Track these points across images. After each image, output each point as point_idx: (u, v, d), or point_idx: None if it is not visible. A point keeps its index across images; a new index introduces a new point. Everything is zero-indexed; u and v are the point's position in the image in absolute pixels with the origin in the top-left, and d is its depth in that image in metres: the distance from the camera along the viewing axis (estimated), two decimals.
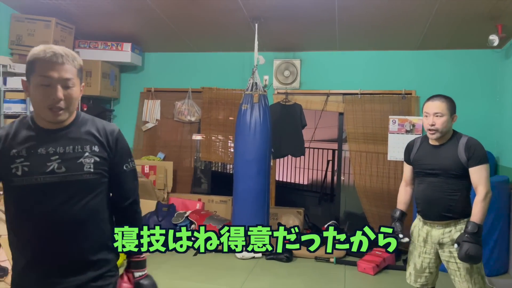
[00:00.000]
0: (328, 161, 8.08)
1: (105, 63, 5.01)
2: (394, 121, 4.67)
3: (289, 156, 5.28)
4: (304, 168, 8.66)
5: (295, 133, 4.88)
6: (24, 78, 1.42)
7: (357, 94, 4.87)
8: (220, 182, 6.03)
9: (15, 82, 4.13)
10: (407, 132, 4.63)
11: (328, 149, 8.16)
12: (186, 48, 5.22)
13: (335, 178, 6.79)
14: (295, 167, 8.67)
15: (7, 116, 4.16)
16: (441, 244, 2.37)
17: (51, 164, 1.38)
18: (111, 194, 1.59)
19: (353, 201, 6.33)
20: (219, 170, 8.17)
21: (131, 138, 5.54)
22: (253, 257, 4.25)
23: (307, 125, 4.96)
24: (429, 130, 2.39)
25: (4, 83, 4.14)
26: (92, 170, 1.44)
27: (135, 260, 1.61)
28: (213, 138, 5.31)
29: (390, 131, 4.70)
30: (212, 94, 5.25)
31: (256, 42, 4.21)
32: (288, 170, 8.64)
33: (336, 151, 5.59)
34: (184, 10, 4.09)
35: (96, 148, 1.47)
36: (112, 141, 1.52)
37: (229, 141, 5.27)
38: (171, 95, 5.42)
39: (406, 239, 2.44)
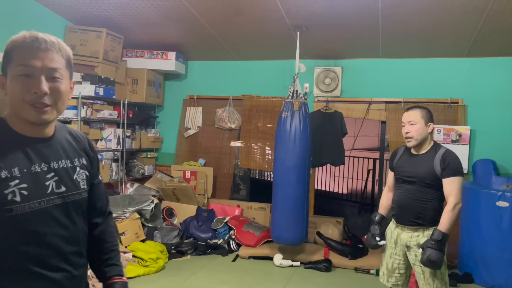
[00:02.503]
0: (368, 170, 7.92)
1: (151, 71, 5.20)
2: (439, 130, 4.52)
3: (329, 165, 5.24)
4: (343, 177, 8.53)
5: (335, 141, 4.84)
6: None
7: (400, 102, 4.76)
8: (258, 189, 6.06)
9: None
10: (453, 142, 4.47)
11: (368, 158, 8.00)
12: (228, 57, 5.32)
13: (376, 187, 6.65)
14: (335, 176, 8.56)
15: (60, 122, 4.39)
16: (408, 247, 2.51)
17: (49, 184, 1.14)
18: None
19: None
20: (258, 177, 8.21)
21: (174, 144, 5.69)
22: (291, 265, 4.23)
23: (347, 134, 4.90)
24: (405, 138, 2.52)
25: None
26: (86, 187, 1.25)
27: (117, 282, 1.36)
28: (252, 145, 5.36)
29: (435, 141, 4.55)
30: (253, 101, 5.31)
31: (298, 50, 4.23)
32: (327, 179, 8.54)
33: (377, 160, 5.48)
34: (228, 20, 4.18)
35: (84, 161, 1.27)
36: (90, 149, 1.32)
37: (267, 148, 5.30)
38: (212, 103, 5.53)
39: (383, 242, 2.63)
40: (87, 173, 1.26)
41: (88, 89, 4.35)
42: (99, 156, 4.61)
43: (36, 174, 1.12)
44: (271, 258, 4.32)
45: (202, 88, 5.60)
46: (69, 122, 4.39)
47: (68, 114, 4.34)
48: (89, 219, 1.32)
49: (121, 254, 3.85)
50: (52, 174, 1.15)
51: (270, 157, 5.28)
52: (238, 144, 5.47)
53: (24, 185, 1.08)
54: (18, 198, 1.06)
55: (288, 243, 4.13)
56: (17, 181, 1.07)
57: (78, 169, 1.23)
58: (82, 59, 4.50)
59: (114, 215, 4.22)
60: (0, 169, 1.06)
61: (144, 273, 3.80)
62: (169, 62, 5.12)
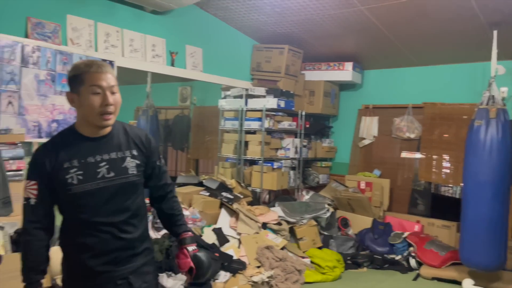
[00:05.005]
0: None
1: (327, 83, 5.32)
2: None
3: None
4: None
5: None
6: (69, 91, 1.53)
7: None
8: (440, 205, 5.52)
9: (253, 103, 4.81)
10: None
11: None
12: (408, 63, 5.07)
13: None
14: None
15: (247, 132, 4.87)
16: None
17: (100, 171, 1.53)
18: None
19: None
20: (439, 192, 7.50)
21: (348, 154, 5.68)
22: None
23: None
24: None
25: (246, 104, 4.88)
26: (135, 172, 1.60)
27: (186, 237, 1.77)
28: (434, 156, 4.95)
29: None
30: (435, 109, 4.92)
31: (494, 51, 3.74)
32: None
33: None
34: (410, 24, 3.99)
35: (135, 152, 1.61)
36: (145, 142, 1.66)
37: (452, 160, 4.80)
38: (389, 112, 5.33)
39: None
40: (138, 162, 1.61)
41: (271, 102, 4.71)
42: (279, 164, 4.92)
43: (90, 163, 1.52)
44: (458, 282, 3.88)
45: (378, 97, 5.45)
46: (254, 132, 4.83)
47: (254, 125, 4.79)
48: (153, 194, 1.78)
49: (299, 258, 4.03)
50: (104, 163, 1.54)
51: (455, 170, 4.78)
52: (417, 155, 5.12)
53: (81, 172, 1.50)
54: (75, 181, 1.49)
55: (481, 268, 3.65)
56: (75, 169, 1.50)
57: (128, 158, 1.59)
58: (266, 74, 4.90)
59: (292, 220, 4.46)
60: (62, 161, 1.49)
61: (321, 280, 3.87)
62: (345, 73, 5.15)
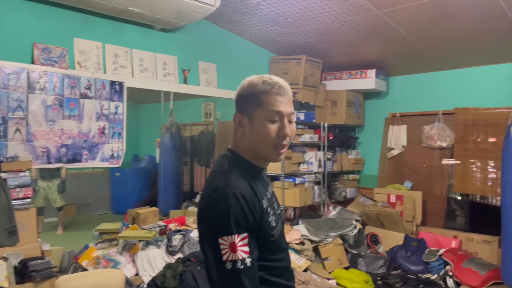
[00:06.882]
0: None
1: (350, 92, 5.09)
2: None
3: None
4: None
5: None
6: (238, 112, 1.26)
7: None
8: (481, 217, 5.11)
9: None
10: None
11: None
12: (435, 67, 4.76)
13: None
14: None
15: None
16: None
17: (276, 206, 1.28)
18: None
19: None
20: (479, 201, 7.00)
21: (376, 166, 5.39)
22: None
23: None
24: None
25: None
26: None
27: None
28: (470, 166, 4.58)
29: None
30: (468, 115, 4.56)
31: None
32: None
33: None
34: (434, 27, 3.73)
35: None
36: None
37: (489, 168, 4.43)
38: (418, 119, 5.02)
39: None
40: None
41: None
42: (302, 179, 4.71)
43: (270, 200, 1.24)
44: None
45: (405, 105, 5.16)
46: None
47: None
48: None
49: (324, 280, 3.78)
50: (273, 199, 1.28)
51: (494, 180, 4.40)
52: (452, 161, 4.77)
53: (272, 211, 1.21)
54: (274, 224, 1.21)
55: None
56: (269, 208, 1.20)
57: (274, 193, 1.35)
58: None
59: (316, 238, 4.22)
60: (260, 200, 1.17)
61: None
62: (368, 81, 4.91)
